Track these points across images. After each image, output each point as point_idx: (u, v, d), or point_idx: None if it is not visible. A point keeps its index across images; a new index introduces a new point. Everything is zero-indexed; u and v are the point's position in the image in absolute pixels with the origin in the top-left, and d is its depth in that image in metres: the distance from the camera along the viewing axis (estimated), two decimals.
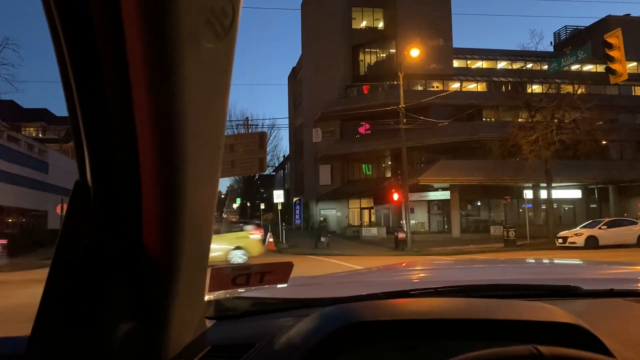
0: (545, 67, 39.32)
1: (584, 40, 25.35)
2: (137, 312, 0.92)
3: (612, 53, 12.86)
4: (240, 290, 1.53)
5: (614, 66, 12.93)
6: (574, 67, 33.81)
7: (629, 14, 45.26)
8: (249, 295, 1.61)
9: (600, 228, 24.09)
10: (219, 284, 1.24)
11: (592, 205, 36.84)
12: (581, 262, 2.98)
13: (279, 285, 1.48)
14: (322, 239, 28.62)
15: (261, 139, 1.53)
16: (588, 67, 41.88)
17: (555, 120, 26.88)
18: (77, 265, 0.86)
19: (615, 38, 12.91)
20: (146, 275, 0.91)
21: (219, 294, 1.51)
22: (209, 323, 1.33)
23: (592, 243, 23.36)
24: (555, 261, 3.36)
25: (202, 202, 0.94)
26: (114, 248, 0.88)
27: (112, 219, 0.88)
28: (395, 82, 30.14)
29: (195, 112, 0.80)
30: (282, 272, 1.31)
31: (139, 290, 0.91)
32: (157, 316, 0.95)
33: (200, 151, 0.86)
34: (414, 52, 26.61)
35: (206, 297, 1.28)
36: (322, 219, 33.20)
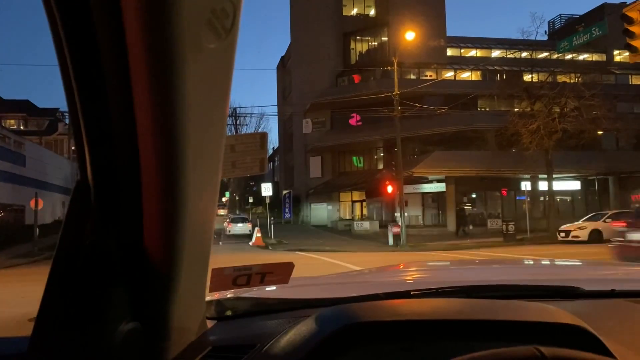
0: (540, 55, 39.32)
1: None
2: (137, 312, 0.92)
3: (632, 28, 11.63)
4: (240, 290, 1.52)
5: (634, 43, 11.69)
6: (568, 57, 32.99)
7: (624, 2, 44.63)
8: (250, 296, 1.61)
9: (604, 221, 23.08)
10: (219, 285, 1.24)
11: (590, 197, 36.15)
12: (582, 263, 3.04)
13: (279, 286, 1.46)
14: (464, 229, 28.82)
15: (262, 139, 1.49)
16: (583, 57, 41.23)
17: (557, 109, 25.96)
18: (77, 265, 0.86)
19: (636, 12, 11.69)
20: (147, 276, 0.91)
21: (220, 295, 1.51)
22: (209, 323, 1.33)
23: (596, 237, 22.38)
24: (556, 261, 3.38)
25: (203, 203, 0.94)
26: (114, 248, 0.89)
27: (112, 220, 0.89)
28: (389, 67, 29.08)
29: (196, 112, 0.81)
30: (282, 272, 1.31)
31: (139, 290, 0.92)
32: (157, 317, 0.96)
33: (201, 152, 0.86)
34: (409, 35, 25.51)
35: (207, 298, 1.26)
36: (460, 208, 31.81)
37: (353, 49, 43.39)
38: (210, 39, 0.77)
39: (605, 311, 1.39)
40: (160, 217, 0.87)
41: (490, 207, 34.71)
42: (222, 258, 16.11)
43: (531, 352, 0.68)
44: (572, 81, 27.92)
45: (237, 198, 62.06)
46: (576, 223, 24.16)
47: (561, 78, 29.67)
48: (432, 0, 40.10)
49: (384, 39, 41.53)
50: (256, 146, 1.49)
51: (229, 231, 32.46)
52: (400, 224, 24.29)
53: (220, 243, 27.10)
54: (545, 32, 48.90)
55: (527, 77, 32.07)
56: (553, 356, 0.68)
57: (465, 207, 31.90)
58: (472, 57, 43.46)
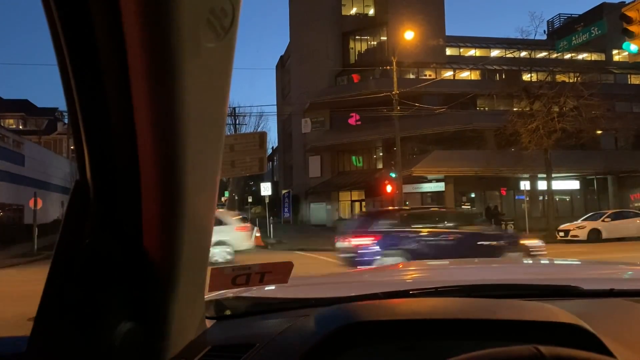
0: (539, 55, 39.29)
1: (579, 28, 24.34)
2: (137, 312, 0.92)
3: (632, 28, 11.63)
4: (240, 290, 1.52)
5: (634, 42, 11.68)
6: (567, 56, 33.03)
7: (623, 2, 44.62)
8: (249, 295, 1.61)
9: (603, 220, 23.16)
10: (219, 284, 1.24)
11: (588, 197, 36.13)
12: (581, 262, 3.04)
13: (278, 285, 1.48)
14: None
15: (261, 138, 1.51)
16: (582, 56, 41.25)
17: (556, 109, 25.90)
18: (77, 265, 0.86)
19: (635, 11, 11.69)
20: (146, 275, 0.91)
21: (219, 294, 1.52)
22: (209, 323, 1.33)
23: (595, 236, 22.47)
24: (555, 261, 3.39)
25: (202, 202, 0.94)
26: (114, 248, 0.89)
27: (112, 219, 0.89)
28: (388, 67, 29.04)
29: (195, 111, 0.81)
30: (282, 272, 1.31)
31: (139, 290, 0.92)
32: (157, 316, 0.96)
33: (200, 151, 0.86)
34: (409, 35, 25.46)
35: (206, 297, 1.28)
36: (491, 205, 31.06)
37: (352, 48, 43.34)
38: (209, 38, 0.76)
39: (604, 310, 1.38)
40: (159, 216, 0.86)
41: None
42: None
43: (530, 351, 0.68)
44: (571, 81, 27.85)
45: (236, 197, 61.85)
46: (575, 222, 24.12)
47: (560, 77, 29.58)
48: (431, 0, 40.04)
49: (383, 38, 41.44)
50: (255, 145, 1.51)
51: None
52: None
53: None
54: (545, 31, 48.80)
55: (526, 77, 32.02)
56: (552, 355, 0.67)
57: (494, 207, 30.88)
58: (471, 57, 43.36)
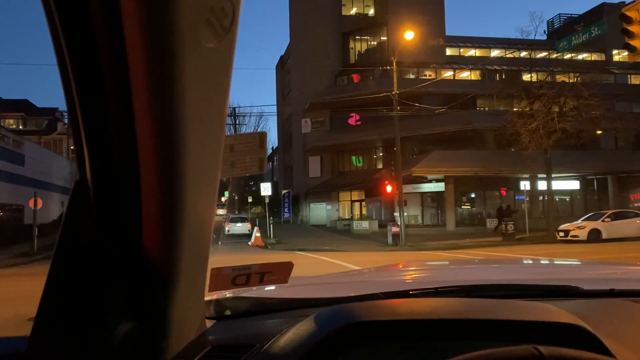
0: (539, 55, 39.34)
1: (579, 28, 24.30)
2: (137, 312, 0.92)
3: (631, 28, 11.62)
4: (240, 290, 1.51)
5: (633, 42, 11.68)
6: (567, 56, 33.02)
7: (623, 2, 44.65)
8: (249, 295, 1.60)
9: (603, 220, 23.15)
10: (219, 284, 1.25)
11: (588, 197, 36.13)
12: (581, 262, 3.07)
13: (278, 286, 1.46)
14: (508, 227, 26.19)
15: (261, 138, 1.51)
16: (582, 56, 41.26)
17: (556, 109, 25.91)
18: (77, 265, 0.87)
19: (635, 11, 11.68)
20: (146, 275, 0.91)
21: (219, 294, 1.51)
22: (209, 323, 1.32)
23: (595, 236, 22.47)
24: (555, 261, 3.38)
25: (202, 202, 0.94)
26: (114, 248, 0.89)
27: (112, 219, 0.89)
28: (388, 67, 29.03)
29: (195, 112, 0.81)
30: (282, 272, 1.31)
31: (138, 290, 0.92)
32: (156, 316, 0.96)
33: (200, 151, 0.86)
34: (409, 35, 25.49)
35: (206, 297, 1.27)
36: (503, 205, 29.95)
37: (352, 48, 43.36)
38: (209, 38, 0.76)
39: (604, 311, 1.38)
40: (159, 216, 0.86)
41: (490, 207, 34.69)
42: (221, 257, 16.11)
43: (529, 352, 0.68)
44: (571, 81, 27.87)
45: (236, 198, 61.94)
46: (575, 222, 24.12)
47: (560, 78, 29.60)
48: (431, 0, 40.05)
49: (383, 38, 41.46)
50: (255, 146, 1.51)
51: (228, 231, 32.36)
52: (399, 223, 24.28)
53: (219, 242, 27.07)
54: (545, 31, 48.85)
55: (526, 77, 32.04)
56: (551, 355, 0.67)
57: (506, 207, 29.30)
58: (471, 57, 43.37)
